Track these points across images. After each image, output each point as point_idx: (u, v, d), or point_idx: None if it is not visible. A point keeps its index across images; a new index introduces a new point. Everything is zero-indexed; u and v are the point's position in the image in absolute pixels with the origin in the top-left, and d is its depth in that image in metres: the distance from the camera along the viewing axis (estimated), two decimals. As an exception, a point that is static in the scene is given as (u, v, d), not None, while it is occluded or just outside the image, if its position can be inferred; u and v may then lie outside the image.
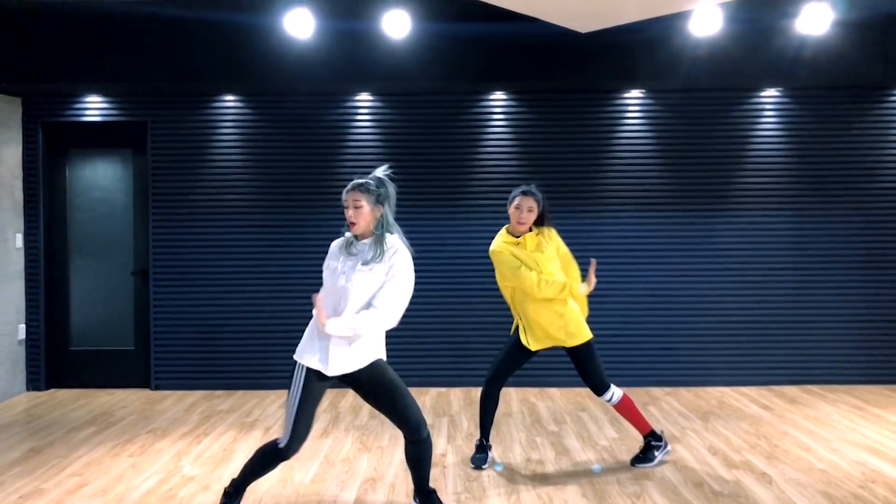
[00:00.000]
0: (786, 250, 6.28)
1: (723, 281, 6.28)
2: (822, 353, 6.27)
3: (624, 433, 4.92)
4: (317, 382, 3.24)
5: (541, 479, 4.09)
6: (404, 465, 4.20)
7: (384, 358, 3.35)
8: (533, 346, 4.15)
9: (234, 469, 4.23)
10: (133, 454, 4.57)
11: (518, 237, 4.15)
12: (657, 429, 4.57)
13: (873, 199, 6.25)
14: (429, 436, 3.36)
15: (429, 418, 5.32)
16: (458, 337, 6.27)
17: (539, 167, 6.25)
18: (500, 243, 4.15)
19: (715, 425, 5.11)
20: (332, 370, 3.20)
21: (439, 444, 4.70)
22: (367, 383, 3.30)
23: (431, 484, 3.56)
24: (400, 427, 3.33)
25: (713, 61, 5.68)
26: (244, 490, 3.41)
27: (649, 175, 6.28)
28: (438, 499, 3.48)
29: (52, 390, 6.32)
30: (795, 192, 6.28)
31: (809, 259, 6.27)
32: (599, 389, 4.15)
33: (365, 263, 3.19)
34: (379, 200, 3.24)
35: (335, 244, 3.36)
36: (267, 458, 3.33)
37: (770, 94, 6.24)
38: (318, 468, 4.27)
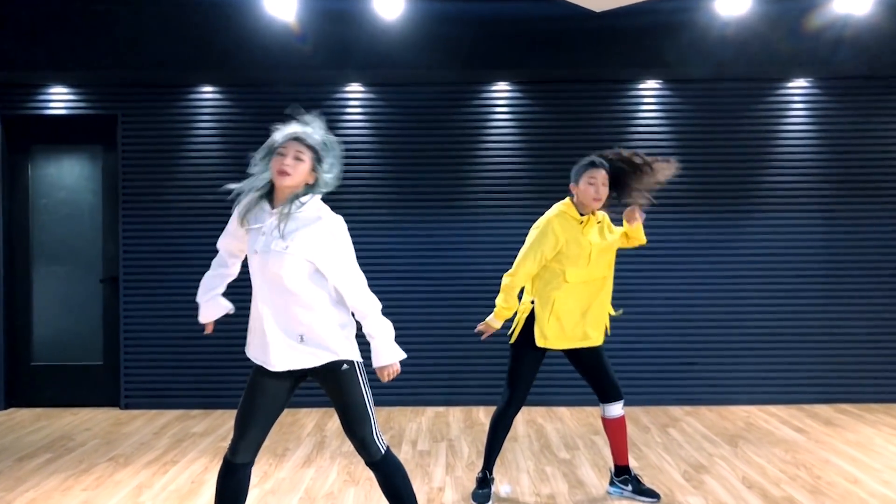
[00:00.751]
0: (817, 256, 5.75)
1: (747, 289, 5.74)
2: (857, 368, 5.74)
3: (643, 461, 4.37)
4: (268, 379, 2.70)
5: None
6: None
7: (354, 359, 2.72)
8: (540, 343, 3.59)
9: (199, 507, 3.68)
10: (87, 487, 4.01)
11: (583, 215, 3.66)
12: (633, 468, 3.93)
13: (912, 199, 5.73)
14: (386, 458, 2.77)
15: (425, 443, 4.77)
16: (458, 351, 5.72)
17: (545, 165, 5.73)
18: (560, 215, 3.65)
19: (745, 451, 4.56)
20: (275, 365, 2.66)
21: (436, 476, 4.15)
22: (323, 383, 2.75)
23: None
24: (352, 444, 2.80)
25: (742, 45, 5.16)
26: None
27: (667, 173, 5.75)
28: None
29: (10, 409, 5.77)
30: (827, 192, 5.75)
31: (843, 266, 5.74)
32: (613, 394, 3.72)
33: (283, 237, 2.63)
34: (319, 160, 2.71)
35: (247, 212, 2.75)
36: (220, 475, 2.75)
37: (799, 85, 5.72)
38: (296, 505, 3.72)
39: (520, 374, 3.64)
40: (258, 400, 2.70)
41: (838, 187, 5.76)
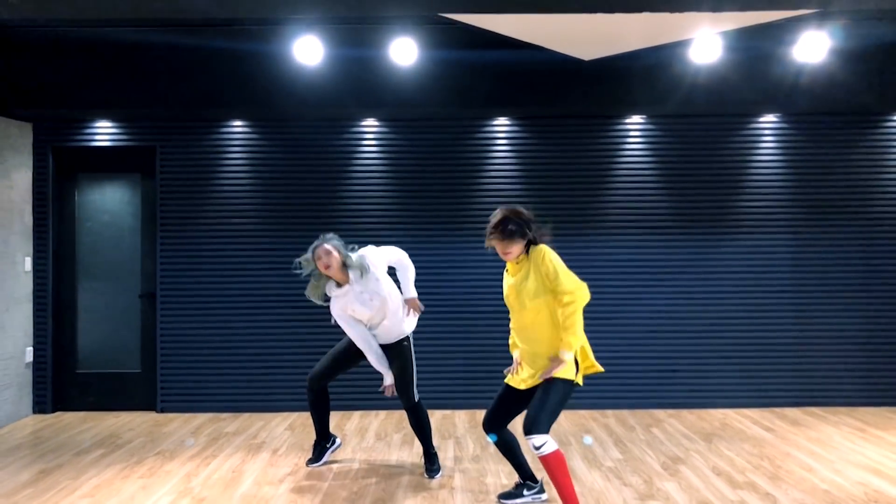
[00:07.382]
0: (786, 272, 6.36)
1: (724, 303, 6.35)
2: (823, 374, 6.34)
3: (627, 455, 4.97)
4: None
5: (546, 500, 4.14)
6: (412, 486, 4.30)
7: (409, 335, 4.66)
8: (511, 382, 3.86)
9: (244, 489, 4.28)
10: (143, 476, 4.60)
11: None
12: None
13: (871, 222, 6.35)
14: (416, 406, 4.59)
15: (434, 440, 5.35)
16: (463, 360, 6.32)
17: (542, 192, 6.34)
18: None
19: (718, 446, 5.16)
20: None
21: (445, 466, 4.74)
22: (389, 352, 4.62)
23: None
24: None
25: (712, 88, 5.80)
26: (327, 432, 4.84)
27: (650, 199, 6.38)
28: (437, 461, 4.65)
29: (58, 413, 6.34)
30: (794, 215, 6.38)
31: (809, 281, 6.36)
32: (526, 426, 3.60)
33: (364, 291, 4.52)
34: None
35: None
36: (311, 400, 4.75)
37: (768, 120, 6.36)
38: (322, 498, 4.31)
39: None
40: (345, 351, 4.70)
41: (805, 210, 6.37)
